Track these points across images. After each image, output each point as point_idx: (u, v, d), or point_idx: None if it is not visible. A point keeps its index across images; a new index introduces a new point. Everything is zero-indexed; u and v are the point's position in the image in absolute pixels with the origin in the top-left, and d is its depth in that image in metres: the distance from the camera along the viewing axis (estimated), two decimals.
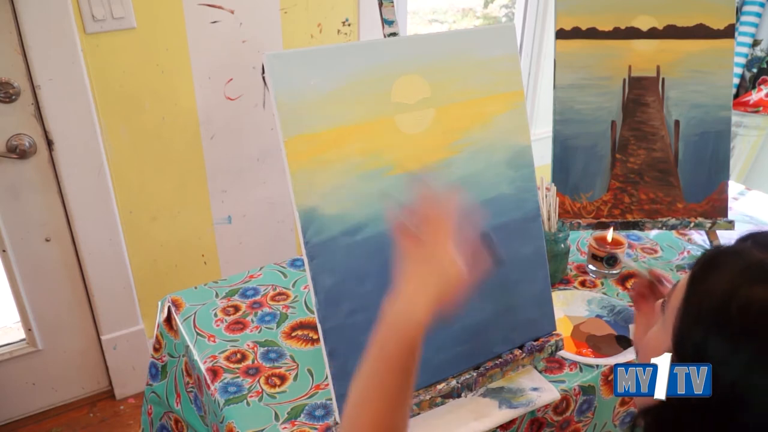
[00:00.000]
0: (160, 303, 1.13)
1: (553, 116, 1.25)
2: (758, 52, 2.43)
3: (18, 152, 1.40)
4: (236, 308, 1.10)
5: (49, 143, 1.44)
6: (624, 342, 1.04)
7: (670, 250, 1.32)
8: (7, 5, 1.29)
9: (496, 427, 0.90)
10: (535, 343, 0.97)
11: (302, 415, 0.88)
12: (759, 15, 2.39)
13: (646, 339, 0.59)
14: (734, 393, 0.47)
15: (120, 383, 1.78)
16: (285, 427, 0.86)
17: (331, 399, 0.83)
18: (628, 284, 1.18)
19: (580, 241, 1.33)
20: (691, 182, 1.24)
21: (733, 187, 1.55)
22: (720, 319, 0.49)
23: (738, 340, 0.47)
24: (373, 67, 0.81)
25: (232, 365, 0.97)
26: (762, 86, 2.39)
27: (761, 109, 2.36)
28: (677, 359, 0.51)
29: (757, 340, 0.47)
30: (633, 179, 1.25)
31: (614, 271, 1.21)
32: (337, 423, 0.82)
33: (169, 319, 1.10)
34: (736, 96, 2.42)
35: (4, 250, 1.50)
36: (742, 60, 2.42)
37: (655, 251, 1.31)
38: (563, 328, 1.07)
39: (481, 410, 0.90)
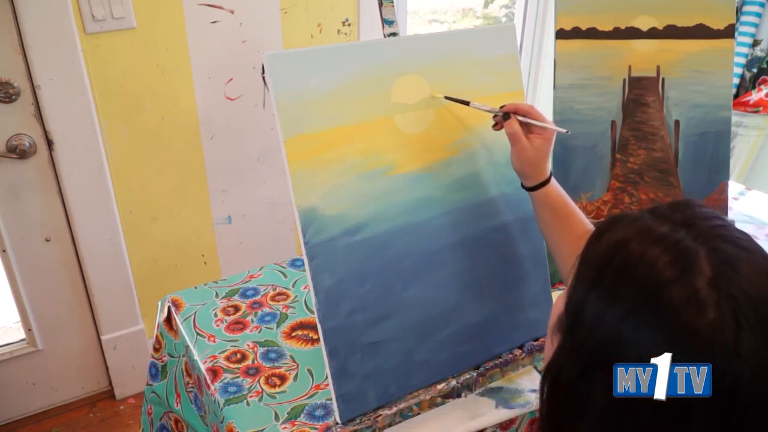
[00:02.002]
0: (160, 303, 1.13)
1: (553, 116, 1.25)
2: (758, 52, 2.43)
3: (18, 152, 1.40)
4: (236, 308, 1.10)
5: (49, 143, 1.44)
6: None
7: None
8: (7, 5, 1.29)
9: (495, 427, 0.90)
10: (535, 343, 0.97)
11: (302, 415, 0.88)
12: (759, 15, 2.39)
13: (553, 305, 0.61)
14: (607, 348, 0.49)
15: (120, 383, 1.78)
16: (285, 427, 0.86)
17: (331, 399, 0.83)
18: None
19: None
20: (691, 182, 1.24)
21: (733, 187, 1.55)
22: (599, 276, 0.50)
23: (612, 297, 0.49)
24: (373, 67, 0.81)
25: (232, 365, 0.97)
26: (762, 86, 2.39)
27: (761, 109, 2.35)
28: (565, 319, 0.53)
29: (630, 296, 0.48)
30: (633, 179, 1.25)
31: None
32: (337, 423, 0.83)
33: (169, 319, 1.10)
34: (736, 96, 2.42)
35: (4, 250, 1.50)
36: (742, 60, 2.42)
37: None
38: None
39: (477, 409, 0.90)
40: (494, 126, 0.86)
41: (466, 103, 0.86)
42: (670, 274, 0.47)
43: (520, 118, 0.83)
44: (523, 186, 0.87)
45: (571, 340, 0.52)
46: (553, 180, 0.86)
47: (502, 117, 0.84)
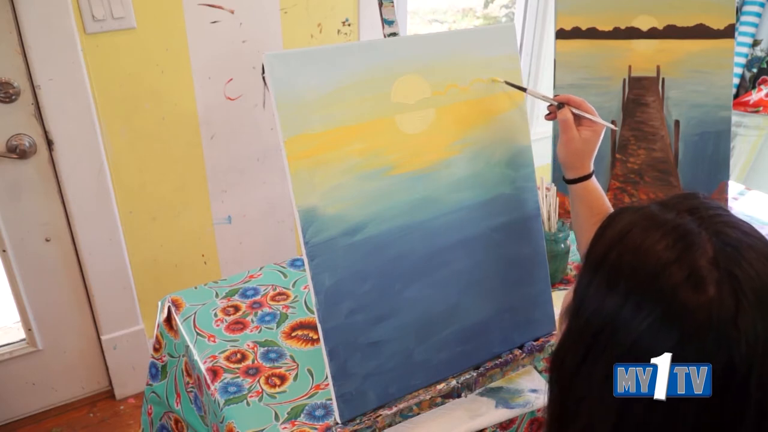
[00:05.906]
0: (160, 303, 1.13)
1: None
2: (758, 52, 2.43)
3: (18, 152, 1.40)
4: (236, 308, 1.10)
5: (49, 143, 1.44)
6: None
7: None
8: (7, 5, 1.29)
9: (495, 427, 0.90)
10: (535, 343, 0.97)
11: (302, 415, 0.88)
12: (759, 15, 2.39)
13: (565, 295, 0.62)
14: (608, 327, 0.50)
15: (120, 383, 1.78)
16: (285, 427, 0.86)
17: (331, 399, 0.83)
18: None
19: None
20: (691, 182, 1.24)
21: (733, 187, 1.55)
22: (604, 261, 0.52)
23: (614, 279, 0.50)
24: (373, 67, 0.81)
25: (232, 365, 0.97)
26: (762, 86, 2.39)
27: (761, 109, 2.36)
28: (572, 308, 0.54)
29: (630, 278, 0.49)
30: (633, 179, 1.25)
31: None
32: (337, 423, 0.83)
33: (169, 319, 1.10)
34: (736, 96, 2.42)
35: (4, 250, 1.50)
36: (742, 60, 2.42)
37: None
38: None
39: (477, 409, 0.91)
40: (547, 116, 0.90)
41: (524, 90, 0.89)
42: (669, 256, 0.48)
43: (573, 110, 0.86)
44: (564, 179, 0.90)
45: (576, 323, 0.54)
46: (594, 178, 0.89)
47: (556, 106, 0.87)
